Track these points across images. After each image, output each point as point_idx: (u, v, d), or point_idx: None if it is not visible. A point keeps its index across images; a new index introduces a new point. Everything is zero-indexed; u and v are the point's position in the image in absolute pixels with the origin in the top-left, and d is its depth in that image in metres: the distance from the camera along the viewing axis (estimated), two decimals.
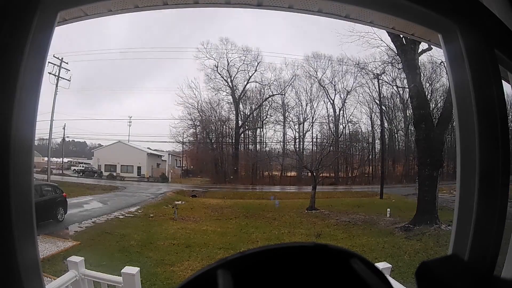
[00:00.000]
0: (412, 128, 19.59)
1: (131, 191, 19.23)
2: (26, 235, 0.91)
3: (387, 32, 11.58)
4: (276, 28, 27.81)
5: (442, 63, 17.79)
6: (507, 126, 1.08)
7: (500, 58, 1.12)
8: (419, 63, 14.81)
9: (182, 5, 1.53)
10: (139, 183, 22.07)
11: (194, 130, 24.34)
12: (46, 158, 19.62)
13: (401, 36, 12.11)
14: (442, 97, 19.39)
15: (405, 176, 22.31)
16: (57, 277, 3.57)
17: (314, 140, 23.70)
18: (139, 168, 23.19)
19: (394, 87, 21.73)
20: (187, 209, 15.74)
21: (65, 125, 21.27)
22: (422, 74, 15.67)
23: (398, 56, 16.34)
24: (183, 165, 25.61)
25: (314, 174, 17.15)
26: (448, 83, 14.97)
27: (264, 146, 24.54)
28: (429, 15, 1.13)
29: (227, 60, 22.95)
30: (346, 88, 22.82)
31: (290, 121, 23.69)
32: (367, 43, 18.41)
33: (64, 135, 22.28)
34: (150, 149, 24.18)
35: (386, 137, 22.64)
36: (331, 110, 23.49)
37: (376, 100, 22.08)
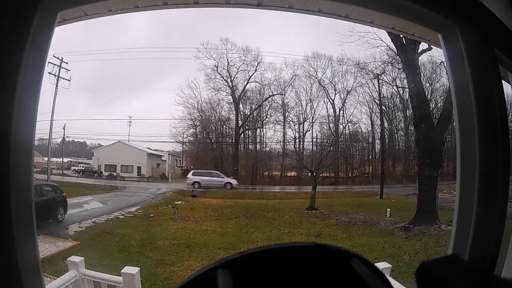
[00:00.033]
0: (412, 128, 19.59)
1: (131, 191, 19.22)
2: (26, 235, 0.91)
3: (387, 32, 11.57)
4: (276, 28, 27.79)
5: (442, 63, 17.80)
6: (507, 126, 1.08)
7: (500, 58, 1.12)
8: (419, 63, 14.81)
9: (182, 5, 1.53)
10: (139, 183, 22.07)
11: (194, 130, 24.36)
12: (46, 158, 19.62)
13: (401, 36, 12.11)
14: (442, 97, 19.40)
15: (405, 176, 22.31)
16: (57, 277, 3.57)
17: (314, 140, 23.73)
18: (139, 168, 23.19)
19: (394, 87, 21.75)
20: (187, 209, 15.74)
21: (65, 125, 21.29)
22: (422, 74, 15.68)
23: (398, 56, 16.33)
24: (183, 165, 25.61)
25: (314, 174, 17.14)
26: (448, 83, 14.97)
27: (264, 146, 24.56)
28: (429, 15, 1.13)
29: (227, 60, 22.96)
30: (346, 88, 22.83)
31: (290, 121, 23.71)
32: (367, 43, 18.37)
33: (64, 135, 22.30)
34: (150, 149, 24.18)
35: (386, 137, 22.65)
36: (331, 110, 23.51)
37: (376, 100, 22.10)
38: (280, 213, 15.29)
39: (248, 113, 24.29)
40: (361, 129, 23.79)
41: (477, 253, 1.06)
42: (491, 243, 1.06)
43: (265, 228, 13.32)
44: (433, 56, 17.62)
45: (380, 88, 21.60)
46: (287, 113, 23.78)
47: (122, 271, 3.47)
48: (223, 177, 20.26)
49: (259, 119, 24.45)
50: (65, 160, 23.94)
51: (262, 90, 23.75)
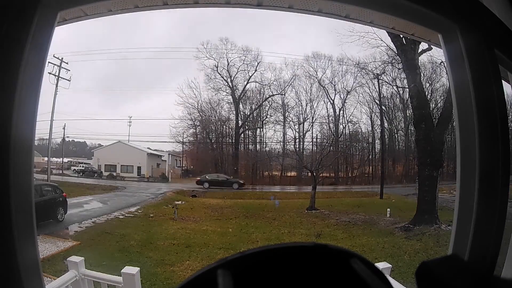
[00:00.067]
0: (412, 128, 19.58)
1: (131, 191, 19.22)
2: (26, 235, 0.91)
3: (387, 32, 11.58)
4: (276, 28, 27.79)
5: (442, 63, 17.79)
6: (507, 126, 1.09)
7: (500, 58, 1.12)
8: (419, 63, 14.82)
9: (182, 5, 1.53)
10: (139, 183, 22.07)
11: (194, 130, 24.35)
12: (46, 158, 19.62)
13: (401, 36, 12.11)
14: (442, 97, 19.39)
15: (405, 176, 22.30)
16: (57, 277, 3.57)
17: (314, 140, 23.72)
18: (139, 168, 23.19)
19: (394, 87, 21.73)
20: (187, 209, 15.74)
21: (65, 125, 21.28)
22: (422, 74, 15.68)
23: (398, 56, 16.33)
24: (183, 165, 25.61)
25: (314, 174, 17.14)
26: (448, 83, 14.97)
27: (264, 146, 24.55)
28: (429, 15, 1.13)
29: (227, 60, 22.96)
30: (346, 88, 22.82)
31: (290, 121, 23.70)
32: (367, 43, 18.37)
33: (64, 135, 22.30)
34: (150, 149, 24.18)
35: (386, 137, 22.64)
36: (331, 110, 23.49)
37: (376, 100, 22.08)
38: (280, 213, 15.29)
39: (248, 113, 24.30)
40: (361, 129, 23.80)
41: (477, 253, 1.06)
42: (491, 243, 1.06)
43: (265, 228, 13.32)
44: (433, 56, 17.63)
45: (380, 88, 21.61)
46: (287, 113, 23.79)
47: (122, 271, 3.47)
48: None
49: (259, 119, 24.45)
50: (65, 160, 23.93)
51: (262, 90, 23.77)
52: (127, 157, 22.64)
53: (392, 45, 16.00)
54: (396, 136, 23.76)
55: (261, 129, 24.25)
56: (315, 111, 23.65)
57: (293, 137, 23.51)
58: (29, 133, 0.93)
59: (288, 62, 22.89)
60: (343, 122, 23.43)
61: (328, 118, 23.54)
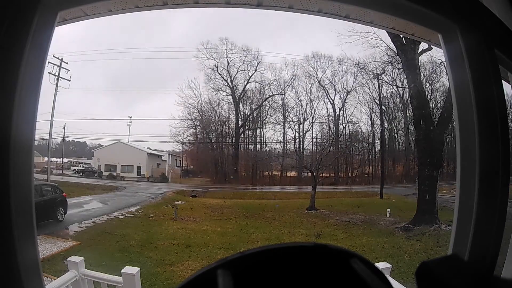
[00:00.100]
0: (412, 128, 19.59)
1: (131, 191, 19.23)
2: (26, 235, 0.91)
3: (387, 32, 11.58)
4: (276, 28, 27.78)
5: (442, 63, 17.78)
6: (507, 126, 1.09)
7: (500, 58, 1.12)
8: (419, 63, 14.81)
9: (182, 5, 1.53)
10: (139, 183, 22.07)
11: (194, 130, 24.35)
12: (46, 158, 19.62)
13: (401, 36, 12.11)
14: (442, 97, 19.38)
15: (405, 176, 22.30)
16: (57, 277, 3.57)
17: (314, 140, 23.72)
18: (139, 168, 23.19)
19: (394, 87, 21.72)
20: (187, 209, 15.74)
21: (65, 125, 21.28)
22: (422, 74, 15.68)
23: (398, 56, 16.33)
24: (183, 165, 25.61)
25: (314, 174, 17.14)
26: (448, 83, 14.97)
27: (264, 146, 24.55)
28: (429, 15, 1.13)
29: (227, 60, 22.96)
30: (346, 88, 22.82)
31: (290, 121, 23.70)
32: (367, 43, 18.37)
33: (64, 135, 22.30)
34: (150, 149, 24.18)
35: (386, 137, 22.64)
36: (331, 110, 23.48)
37: (376, 100, 22.08)
38: (280, 213, 15.29)
39: (248, 113, 24.30)
40: (361, 129, 23.80)
41: (477, 253, 1.06)
42: (491, 243, 1.06)
43: (265, 228, 13.33)
44: (433, 56, 17.62)
45: (380, 88, 21.61)
46: (287, 113, 23.79)
47: (122, 271, 3.47)
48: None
49: (259, 119, 24.45)
50: (65, 160, 23.93)
51: (262, 90, 23.77)
52: (127, 157, 22.64)
53: (392, 45, 16.02)
54: (396, 136, 23.77)
55: (261, 129, 24.27)
56: (315, 111, 23.67)
57: (293, 137, 23.53)
58: (29, 133, 0.93)
59: (288, 62, 22.92)
60: (343, 122, 23.45)
61: (328, 118, 23.57)
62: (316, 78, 23.17)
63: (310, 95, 23.41)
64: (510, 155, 1.09)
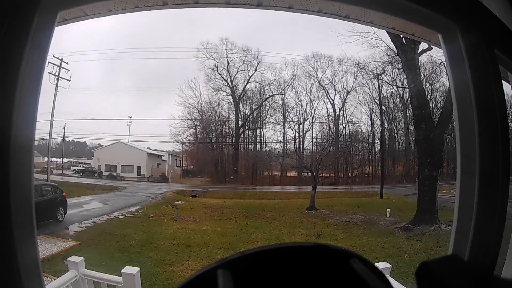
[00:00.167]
0: (412, 128, 19.58)
1: (131, 191, 19.22)
2: (26, 235, 0.91)
3: (387, 32, 11.58)
4: (276, 28, 27.75)
5: (442, 63, 17.78)
6: (507, 126, 1.09)
7: (500, 58, 1.12)
8: (419, 63, 14.81)
9: (182, 5, 1.53)
10: (139, 183, 22.07)
11: (194, 130, 24.33)
12: (46, 158, 19.61)
13: (401, 36, 12.11)
14: (442, 97, 19.37)
15: (405, 176, 22.30)
16: (57, 277, 3.57)
17: (314, 140, 23.71)
18: (139, 168, 23.18)
19: (394, 87, 21.71)
20: (187, 209, 15.74)
21: (65, 125, 21.28)
22: (422, 74, 15.67)
23: (398, 56, 16.32)
24: (183, 165, 25.60)
25: (314, 174, 17.14)
26: (448, 83, 14.97)
27: (264, 146, 24.54)
28: (429, 15, 1.13)
29: (227, 60, 22.94)
30: (346, 88, 22.80)
31: (290, 121, 23.68)
32: (367, 43, 18.37)
33: (64, 135, 22.28)
34: (150, 149, 24.17)
35: (386, 137, 22.63)
36: (331, 110, 23.46)
37: (376, 100, 22.07)
38: (280, 213, 15.29)
39: (248, 113, 24.29)
40: (361, 129, 23.78)
41: (477, 253, 1.06)
42: (491, 243, 1.06)
43: (265, 228, 13.32)
44: (433, 56, 17.61)
45: (380, 88, 21.60)
46: (287, 113, 23.77)
47: (122, 271, 3.47)
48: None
49: (259, 119, 24.44)
50: (65, 160, 23.92)
51: (262, 90, 23.75)
52: (127, 157, 22.63)
53: (392, 45, 16.01)
54: (396, 136, 23.76)
55: (261, 129, 24.26)
56: (315, 111, 23.65)
57: (293, 137, 23.51)
58: (29, 133, 0.93)
59: (288, 62, 22.90)
60: (343, 122, 23.44)
61: (328, 118, 23.55)
62: (316, 78, 23.17)
63: (310, 95, 23.41)
64: (510, 155, 1.09)
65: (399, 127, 23.38)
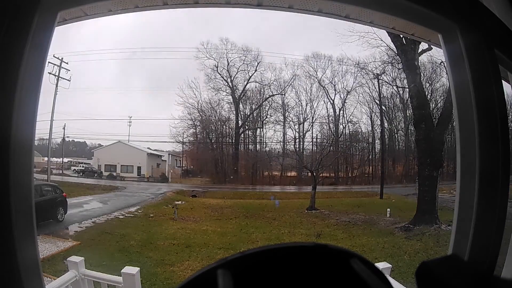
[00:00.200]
0: (412, 128, 19.58)
1: (131, 191, 19.22)
2: (26, 235, 0.91)
3: (387, 32, 11.58)
4: (276, 28, 27.76)
5: (442, 63, 17.79)
6: (507, 126, 1.09)
7: (500, 58, 1.12)
8: (419, 63, 14.80)
9: (182, 5, 1.53)
10: (139, 183, 22.07)
11: (194, 130, 24.34)
12: (46, 158, 19.61)
13: (401, 36, 12.11)
14: (442, 97, 19.38)
15: (405, 176, 22.30)
16: (57, 277, 3.57)
17: (314, 140, 23.72)
18: (139, 168, 23.19)
19: (394, 87, 21.72)
20: (187, 209, 15.74)
21: (65, 125, 21.28)
22: (422, 74, 15.67)
23: (398, 56, 16.33)
24: (183, 165, 25.61)
25: (314, 174, 17.14)
26: (448, 83, 14.97)
27: (264, 146, 24.55)
28: (429, 15, 1.13)
29: (227, 60, 22.96)
30: (346, 88, 22.81)
31: (290, 121, 23.69)
32: (367, 43, 18.38)
33: (64, 135, 22.29)
34: (150, 149, 24.18)
35: (386, 137, 22.64)
36: (331, 110, 23.48)
37: (376, 100, 22.08)
38: (280, 213, 15.30)
39: (248, 113, 24.30)
40: (361, 129, 23.80)
41: (477, 253, 1.06)
42: (491, 243, 1.06)
43: (265, 228, 13.32)
44: (433, 56, 17.63)
45: (380, 88, 21.61)
46: (287, 113, 23.78)
47: (122, 271, 3.47)
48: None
49: (259, 119, 24.45)
50: (65, 160, 23.92)
51: (262, 90, 23.76)
52: (127, 157, 22.64)
53: (392, 45, 16.02)
54: (396, 136, 23.77)
55: (261, 129, 24.27)
56: (315, 111, 23.67)
57: (293, 137, 23.52)
58: (29, 133, 0.93)
59: (288, 62, 22.91)
60: (343, 122, 23.45)
61: (328, 118, 23.56)
62: (316, 78, 23.19)
63: (310, 95, 23.42)
64: (510, 155, 1.09)
65: (399, 127, 23.41)
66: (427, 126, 13.23)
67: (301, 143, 23.56)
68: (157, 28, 26.60)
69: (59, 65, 18.15)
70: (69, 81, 18.53)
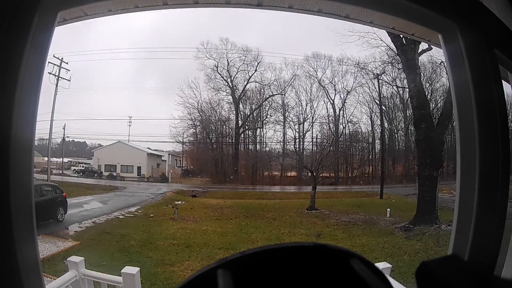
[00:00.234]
0: (412, 128, 19.58)
1: (131, 191, 19.22)
2: (26, 235, 0.91)
3: (387, 32, 11.58)
4: (276, 28, 27.75)
5: (442, 63, 17.78)
6: (507, 126, 1.09)
7: (500, 58, 1.12)
8: (419, 63, 14.81)
9: (182, 5, 1.53)
10: (139, 183, 22.06)
11: (194, 130, 24.33)
12: (46, 158, 19.60)
13: (401, 36, 12.11)
14: (442, 97, 19.38)
15: (405, 176, 22.30)
16: (57, 277, 3.57)
17: (314, 140, 23.71)
18: (139, 168, 23.19)
19: (394, 87, 21.72)
20: (187, 209, 15.74)
21: (65, 125, 21.28)
22: (422, 74, 15.67)
23: (398, 56, 16.33)
24: (183, 165, 25.60)
25: (314, 174, 17.14)
26: (448, 83, 14.98)
27: (264, 146, 24.55)
28: (429, 15, 1.13)
29: (227, 60, 22.95)
30: (346, 88, 22.80)
31: (290, 121, 23.68)
32: (367, 43, 18.37)
33: (64, 135, 22.28)
34: (150, 149, 24.17)
35: (386, 137, 22.64)
36: (331, 110, 23.47)
37: (376, 100, 22.07)
38: (280, 213, 15.29)
39: (248, 113, 24.29)
40: (361, 129, 23.79)
41: (477, 253, 1.06)
42: (491, 243, 1.06)
43: (265, 228, 13.32)
44: (433, 56, 17.61)
45: (380, 88, 21.60)
46: (287, 113, 23.77)
47: (122, 271, 3.47)
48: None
49: (259, 119, 24.44)
50: (65, 160, 23.91)
51: (262, 90, 23.75)
52: (127, 157, 22.63)
53: (392, 45, 16.01)
54: (396, 136, 23.76)
55: (261, 129, 24.26)
56: (315, 111, 23.65)
57: (293, 137, 23.50)
58: (29, 133, 0.93)
59: (288, 62, 22.90)
60: (343, 122, 23.43)
61: (328, 118, 23.55)
62: (316, 78, 23.17)
63: (310, 95, 23.41)
64: (510, 155, 1.09)
65: (399, 127, 23.40)
66: (427, 126, 13.23)
67: (301, 143, 23.57)
68: (157, 28, 26.59)
69: (59, 65, 18.15)
70: (69, 81, 18.54)
